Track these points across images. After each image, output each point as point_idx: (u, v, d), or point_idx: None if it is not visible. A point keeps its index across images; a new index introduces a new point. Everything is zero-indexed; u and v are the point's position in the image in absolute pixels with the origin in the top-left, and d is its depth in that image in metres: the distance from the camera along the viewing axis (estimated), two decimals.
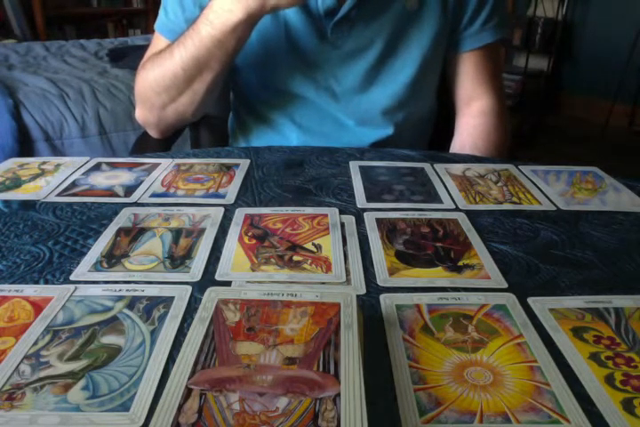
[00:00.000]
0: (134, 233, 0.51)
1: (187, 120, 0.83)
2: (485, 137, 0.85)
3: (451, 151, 0.85)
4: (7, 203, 0.57)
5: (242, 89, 0.90)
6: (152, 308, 0.40)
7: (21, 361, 0.34)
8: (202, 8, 0.75)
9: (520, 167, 0.69)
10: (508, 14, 0.86)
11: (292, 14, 0.75)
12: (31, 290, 0.41)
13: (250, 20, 0.68)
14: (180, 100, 0.77)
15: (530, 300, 0.42)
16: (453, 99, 0.89)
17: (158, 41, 0.82)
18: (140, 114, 0.84)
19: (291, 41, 0.78)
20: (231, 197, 0.59)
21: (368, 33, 0.77)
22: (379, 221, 0.54)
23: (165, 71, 0.74)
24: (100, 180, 0.63)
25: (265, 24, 0.76)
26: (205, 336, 0.35)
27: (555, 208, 0.58)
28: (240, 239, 0.50)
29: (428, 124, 0.94)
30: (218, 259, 0.47)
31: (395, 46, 0.79)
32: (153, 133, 0.86)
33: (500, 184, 0.63)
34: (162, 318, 0.38)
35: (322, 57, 0.79)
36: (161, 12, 0.81)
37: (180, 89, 0.75)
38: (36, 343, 0.36)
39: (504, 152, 0.86)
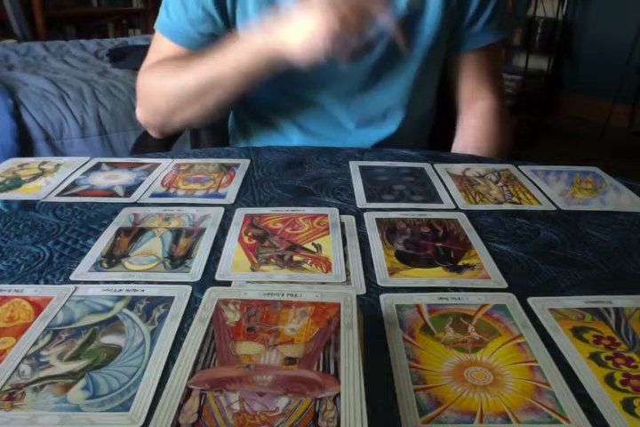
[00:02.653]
0: (134, 233, 0.51)
1: (192, 126, 0.83)
2: (488, 138, 0.85)
3: (453, 151, 0.85)
4: (7, 203, 0.57)
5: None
6: (152, 308, 0.40)
7: (21, 361, 0.34)
8: (204, 9, 0.75)
9: (520, 167, 0.69)
10: (508, 14, 0.86)
11: None
12: (31, 290, 0.41)
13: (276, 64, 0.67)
14: (189, 111, 0.77)
15: (530, 300, 0.42)
16: (455, 99, 0.89)
17: (160, 42, 0.81)
18: (142, 115, 0.84)
19: None
20: (231, 197, 0.59)
21: (372, 31, 0.77)
22: (379, 221, 0.54)
23: (181, 83, 0.73)
24: (100, 180, 0.63)
25: None
26: (205, 336, 0.35)
27: (555, 208, 0.58)
28: (240, 239, 0.50)
29: (427, 125, 0.94)
30: (218, 259, 0.47)
31: (397, 45, 0.79)
32: (153, 134, 0.86)
33: (499, 184, 0.63)
34: (162, 318, 0.38)
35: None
36: (162, 11, 0.80)
37: (191, 103, 0.75)
38: (36, 343, 0.36)
39: (506, 153, 0.86)
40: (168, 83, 0.75)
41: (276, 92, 0.84)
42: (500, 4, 0.81)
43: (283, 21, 0.65)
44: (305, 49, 0.63)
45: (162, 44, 0.80)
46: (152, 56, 0.83)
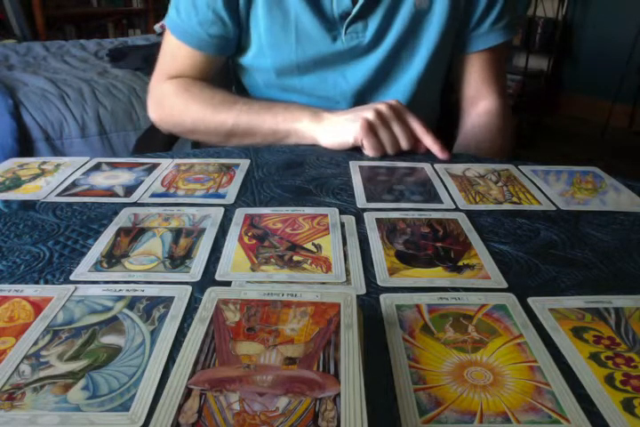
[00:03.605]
0: (134, 233, 0.51)
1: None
2: (490, 138, 0.85)
3: (454, 151, 0.85)
4: (7, 203, 0.57)
5: (245, 89, 0.90)
6: (152, 308, 0.40)
7: (21, 361, 0.34)
8: (215, 11, 0.75)
9: (520, 167, 0.69)
10: (517, 14, 0.87)
11: (305, 18, 0.75)
12: (31, 290, 0.41)
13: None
14: (213, 139, 0.81)
15: (530, 300, 0.42)
16: (458, 98, 0.89)
17: (171, 41, 0.81)
18: (158, 118, 0.86)
19: (302, 45, 0.78)
20: (231, 197, 0.59)
21: (380, 31, 0.78)
22: (379, 221, 0.54)
23: (217, 119, 0.77)
24: (100, 180, 0.63)
25: (276, 28, 0.76)
26: (205, 336, 0.35)
27: (555, 208, 0.58)
28: (240, 239, 0.50)
29: (430, 125, 0.94)
30: (218, 259, 0.47)
31: (404, 44, 0.79)
32: (163, 130, 0.87)
33: (499, 184, 0.63)
34: (162, 318, 0.38)
35: (333, 58, 0.79)
36: (171, 9, 0.80)
37: (218, 136, 0.80)
38: (36, 343, 0.36)
39: (508, 153, 0.86)
40: (204, 113, 0.78)
41: (280, 91, 0.84)
42: (507, 5, 0.81)
43: (329, 121, 0.72)
44: (335, 147, 0.73)
45: (173, 45, 0.81)
46: (166, 58, 0.84)
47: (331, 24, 0.76)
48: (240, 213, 0.55)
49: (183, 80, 0.81)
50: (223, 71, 0.94)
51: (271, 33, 0.77)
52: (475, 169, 0.68)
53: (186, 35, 0.78)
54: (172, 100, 0.81)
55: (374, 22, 0.77)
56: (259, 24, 0.77)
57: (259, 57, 0.81)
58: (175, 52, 0.82)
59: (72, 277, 0.43)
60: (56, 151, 1.77)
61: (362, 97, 0.82)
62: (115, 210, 0.55)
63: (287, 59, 0.79)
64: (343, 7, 0.75)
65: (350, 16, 0.75)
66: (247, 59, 0.82)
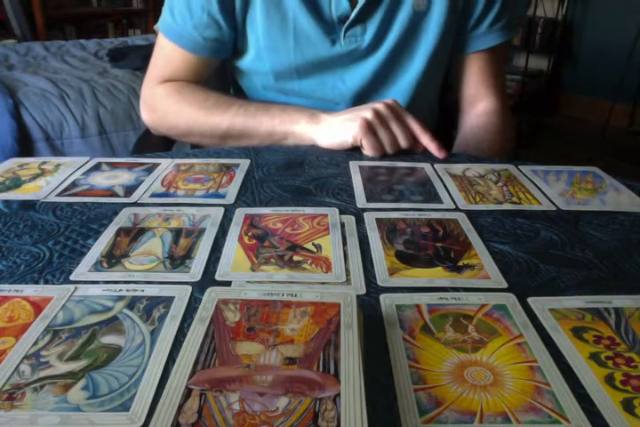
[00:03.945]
0: (134, 233, 0.51)
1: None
2: (489, 138, 0.85)
3: (454, 151, 0.85)
4: (7, 203, 0.57)
5: (244, 91, 0.90)
6: (152, 308, 0.40)
7: (21, 361, 0.34)
8: (210, 14, 0.75)
9: (520, 167, 0.69)
10: (516, 14, 0.87)
11: (304, 21, 0.75)
12: (31, 290, 0.41)
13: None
14: (207, 142, 0.81)
15: (530, 300, 0.42)
16: (457, 99, 0.89)
17: (164, 44, 0.81)
18: (151, 121, 0.85)
19: (301, 48, 0.78)
20: (231, 197, 0.59)
21: (378, 34, 0.78)
22: (379, 221, 0.54)
23: (212, 120, 0.77)
24: (100, 180, 0.63)
25: (274, 31, 0.76)
26: (205, 336, 0.35)
27: (555, 208, 0.58)
28: (240, 239, 0.50)
29: (429, 125, 0.94)
30: (218, 259, 0.47)
31: (403, 46, 0.79)
32: (157, 133, 0.87)
33: (499, 184, 0.63)
34: (162, 318, 0.38)
35: (332, 60, 0.79)
36: (165, 11, 0.80)
37: (213, 138, 0.80)
38: (36, 343, 0.36)
39: (507, 153, 0.86)
40: (197, 115, 0.78)
41: (279, 94, 0.84)
42: (506, 6, 0.81)
43: (326, 122, 0.72)
44: (334, 147, 0.73)
45: (166, 47, 0.81)
46: (159, 61, 0.83)
47: (329, 27, 0.76)
48: (240, 213, 0.55)
49: (176, 83, 0.81)
50: (221, 74, 0.94)
51: (269, 36, 0.76)
52: (475, 169, 0.68)
53: (180, 38, 0.78)
54: (164, 103, 0.81)
55: (373, 25, 0.77)
56: (256, 27, 0.77)
57: (257, 60, 0.80)
58: (169, 55, 0.81)
59: (72, 277, 0.43)
60: (56, 151, 1.77)
61: (361, 99, 0.82)
62: (115, 210, 0.55)
63: (286, 62, 0.79)
64: (342, 10, 0.75)
65: (349, 20, 0.75)
66: (245, 62, 0.82)
